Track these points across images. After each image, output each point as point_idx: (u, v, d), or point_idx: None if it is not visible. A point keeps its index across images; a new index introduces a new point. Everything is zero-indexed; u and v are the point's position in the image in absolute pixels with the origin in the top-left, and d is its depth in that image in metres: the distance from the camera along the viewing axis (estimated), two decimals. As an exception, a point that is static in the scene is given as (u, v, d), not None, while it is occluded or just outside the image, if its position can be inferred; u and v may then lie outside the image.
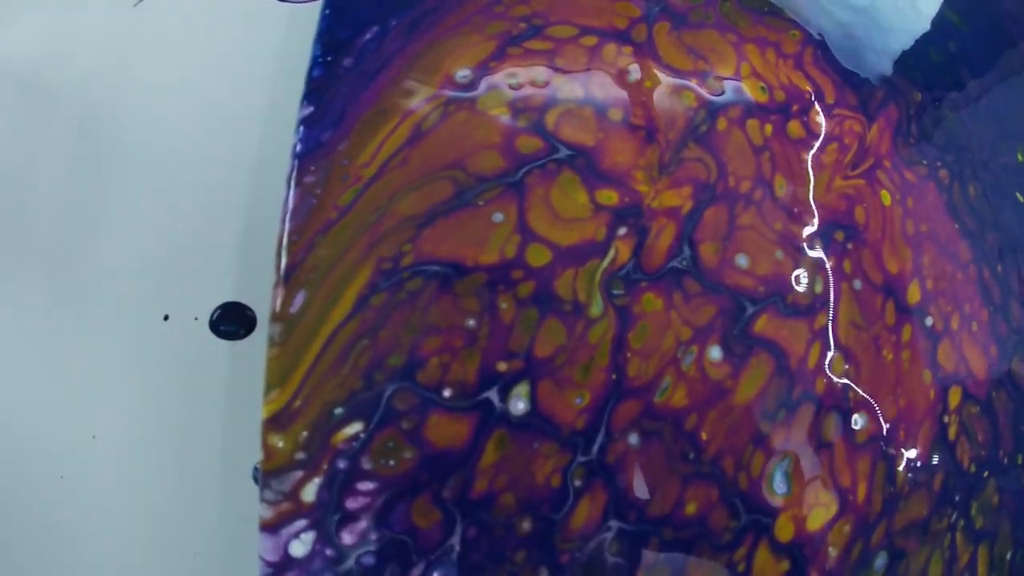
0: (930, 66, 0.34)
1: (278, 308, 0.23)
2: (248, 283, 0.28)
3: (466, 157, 0.24)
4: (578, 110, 0.26)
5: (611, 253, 0.23)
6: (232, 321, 0.27)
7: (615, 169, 0.25)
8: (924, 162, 0.30)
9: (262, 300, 0.26)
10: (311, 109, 0.25)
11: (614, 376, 0.23)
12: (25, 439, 0.27)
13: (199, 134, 0.33)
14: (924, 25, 0.35)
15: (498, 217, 0.23)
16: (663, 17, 0.29)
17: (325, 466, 0.22)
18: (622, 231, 0.24)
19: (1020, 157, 0.35)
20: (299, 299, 0.23)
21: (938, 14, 0.37)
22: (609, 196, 0.24)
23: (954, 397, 0.27)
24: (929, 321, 0.27)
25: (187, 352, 0.27)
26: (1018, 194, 0.33)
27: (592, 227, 0.24)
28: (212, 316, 0.27)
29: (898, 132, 0.30)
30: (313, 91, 0.25)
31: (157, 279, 0.28)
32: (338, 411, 0.22)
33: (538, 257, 0.23)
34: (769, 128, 0.27)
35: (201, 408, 0.26)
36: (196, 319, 0.28)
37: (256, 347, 0.27)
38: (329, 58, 0.26)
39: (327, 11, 0.28)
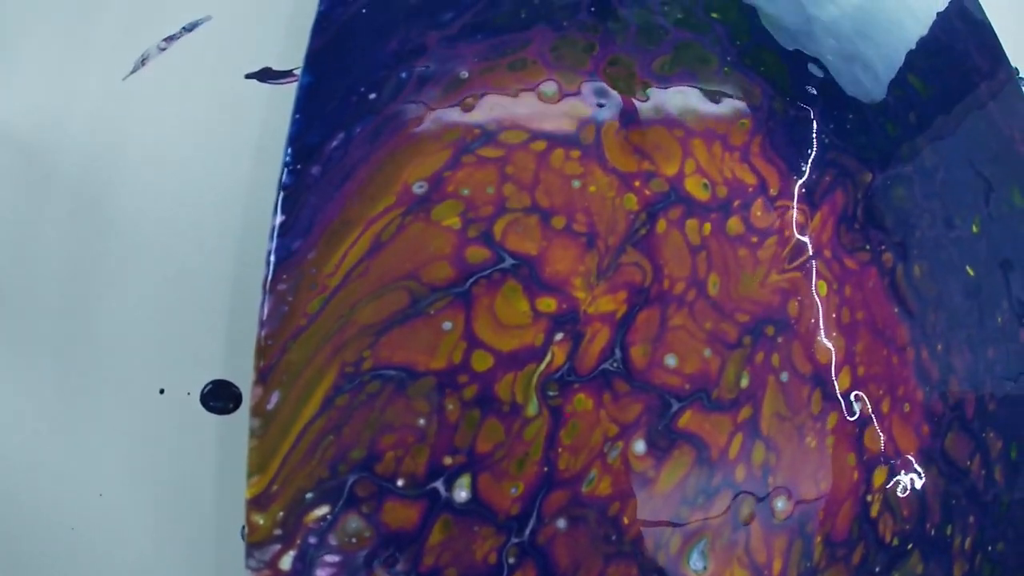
0: (886, 142, 0.35)
1: (256, 404, 0.26)
2: (235, 359, 0.32)
3: (420, 268, 0.27)
4: (524, 219, 0.28)
5: (548, 357, 0.26)
6: (220, 397, 0.31)
7: (555, 277, 0.27)
8: (867, 247, 0.31)
9: (248, 376, 0.30)
10: (283, 218, 0.28)
11: (546, 469, 0.25)
12: (41, 494, 0.32)
13: (187, 210, 0.36)
14: (882, 94, 0.36)
15: (447, 326, 0.26)
16: (612, 115, 0.30)
17: (298, 541, 0.25)
18: (559, 336, 0.26)
19: (975, 228, 0.35)
20: (274, 398, 0.26)
21: (899, 79, 0.37)
22: (548, 304, 0.27)
23: (879, 476, 0.29)
24: (857, 407, 0.29)
25: (181, 422, 0.31)
26: (968, 267, 0.34)
27: (531, 333, 0.26)
28: (203, 392, 0.31)
29: (843, 219, 0.31)
30: (285, 199, 0.28)
31: (153, 356, 0.32)
32: (309, 495, 0.25)
33: (482, 362, 0.26)
34: (708, 227, 0.29)
35: (194, 471, 0.31)
36: (188, 394, 0.31)
37: (242, 419, 0.31)
38: (299, 166, 0.29)
39: (298, 115, 0.30)
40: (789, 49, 0.35)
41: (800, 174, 0.31)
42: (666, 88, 0.32)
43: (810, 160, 0.32)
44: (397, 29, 0.33)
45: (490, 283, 0.27)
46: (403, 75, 0.31)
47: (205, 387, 0.31)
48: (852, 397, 0.29)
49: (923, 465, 0.30)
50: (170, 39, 0.39)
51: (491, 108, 0.30)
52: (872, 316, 0.30)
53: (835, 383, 0.29)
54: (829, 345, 0.29)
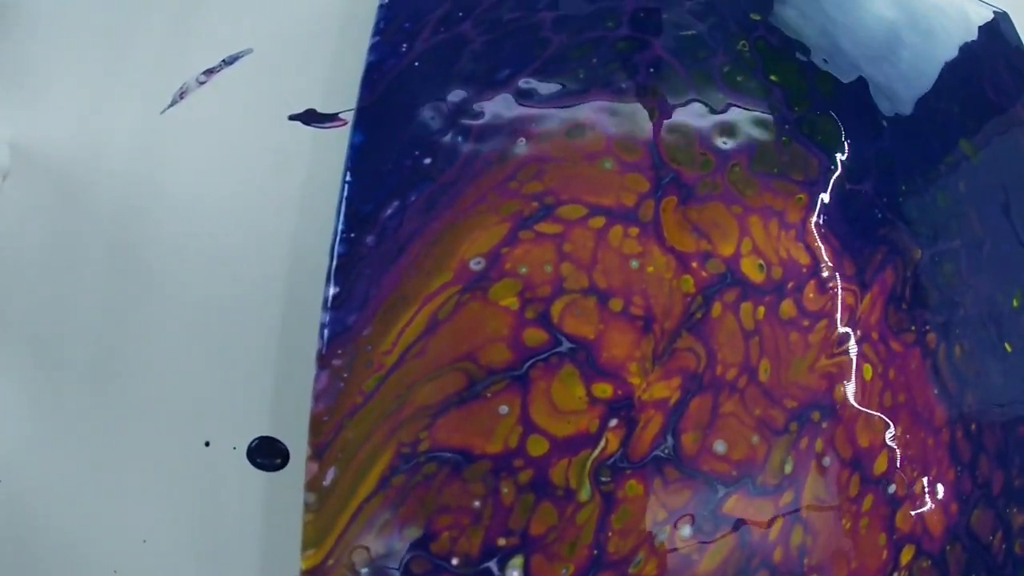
0: (937, 214, 0.34)
1: (312, 480, 0.26)
2: (282, 416, 0.32)
3: (477, 349, 0.27)
4: (582, 301, 0.27)
5: (602, 444, 0.26)
6: (267, 454, 0.31)
7: (612, 362, 0.27)
8: (912, 328, 0.31)
9: (296, 432, 0.30)
10: (336, 290, 0.28)
11: (595, 552, 0.26)
12: (85, 536, 0.32)
13: (232, 257, 0.35)
14: (935, 163, 0.35)
15: (504, 409, 0.26)
16: (672, 190, 0.30)
17: (353, 612, 0.26)
18: (613, 423, 0.27)
19: (1015, 303, 0.35)
20: (330, 474, 0.26)
21: (952, 145, 0.37)
22: (604, 389, 0.27)
23: (906, 555, 0.30)
24: (892, 488, 0.30)
25: (226, 476, 0.31)
26: (1007, 344, 0.34)
27: (587, 420, 0.26)
28: (249, 447, 0.31)
29: (891, 299, 0.31)
30: (339, 269, 0.28)
31: (198, 407, 0.32)
32: (364, 571, 0.26)
33: (537, 447, 0.26)
34: (762, 311, 0.29)
35: (240, 525, 0.31)
36: (234, 448, 0.32)
37: (288, 477, 0.32)
38: (352, 234, 0.28)
39: (350, 178, 0.29)
40: (846, 116, 0.34)
41: (852, 252, 0.31)
42: (725, 161, 0.31)
43: (863, 237, 0.32)
44: (452, 87, 0.32)
45: (547, 367, 0.27)
46: (458, 139, 0.30)
47: (252, 442, 0.32)
48: (888, 480, 0.30)
49: (949, 542, 0.31)
50: (210, 72, 0.37)
51: (549, 180, 0.29)
52: (912, 399, 0.31)
53: (873, 467, 0.30)
54: (871, 429, 0.30)
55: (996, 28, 0.43)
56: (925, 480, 0.31)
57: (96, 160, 0.38)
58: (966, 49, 0.41)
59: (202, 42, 0.38)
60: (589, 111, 0.31)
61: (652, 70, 0.33)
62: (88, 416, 0.34)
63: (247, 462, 0.32)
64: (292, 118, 0.37)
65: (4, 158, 0.39)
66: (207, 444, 0.32)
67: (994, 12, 0.44)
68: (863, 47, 0.37)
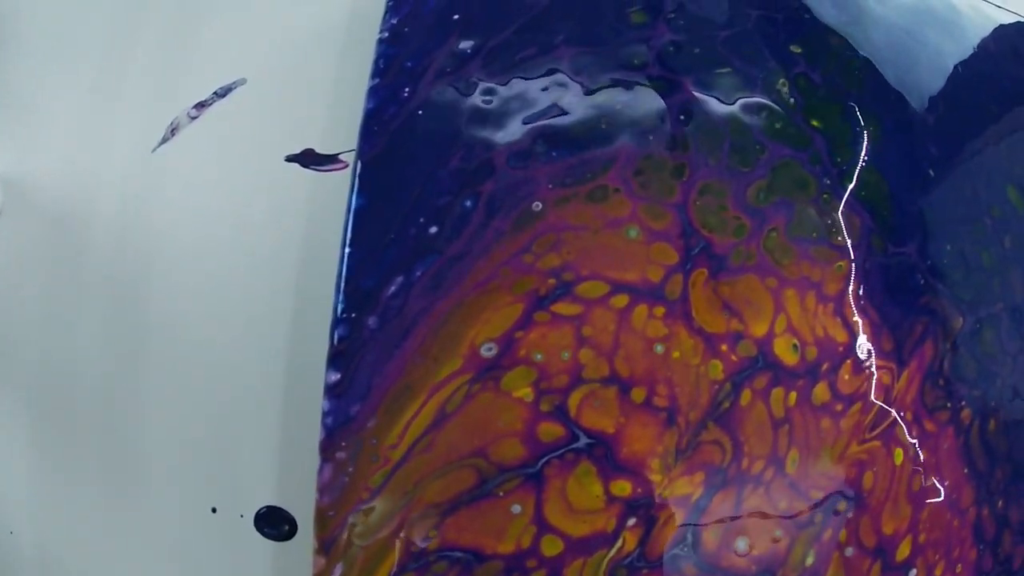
0: (981, 276, 0.32)
1: (319, 574, 0.25)
2: (289, 484, 0.30)
3: (489, 445, 0.25)
4: (602, 391, 0.25)
5: (619, 543, 0.25)
6: (274, 524, 0.30)
7: (632, 458, 0.25)
8: (948, 405, 0.30)
9: (304, 502, 0.29)
10: (337, 376, 0.26)
11: (610, 649, 0.25)
12: None
13: (232, 306, 0.33)
14: (980, 216, 0.32)
15: (516, 509, 0.25)
16: (702, 261, 0.27)
17: None
18: (631, 522, 0.25)
19: None
20: (337, 570, 0.25)
21: (1000, 195, 0.34)
22: (623, 487, 0.25)
23: (922, 632, 0.30)
24: (913, 573, 0.29)
25: (233, 543, 0.30)
26: None
27: (604, 519, 0.25)
28: (256, 515, 0.30)
29: (928, 375, 0.29)
30: (338, 355, 0.26)
31: (204, 472, 0.31)
32: (372, 667, 0.25)
33: (551, 548, 0.25)
34: (793, 397, 0.27)
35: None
36: (242, 516, 0.30)
37: (296, 547, 0.31)
38: (353, 315, 0.26)
39: (350, 248, 0.27)
40: (892, 166, 0.31)
41: (891, 325, 0.29)
42: (761, 225, 0.28)
43: (903, 307, 0.30)
44: (460, 139, 0.28)
45: (563, 464, 0.25)
46: (467, 204, 0.27)
47: (259, 511, 0.30)
48: (910, 565, 0.29)
49: (964, 616, 0.31)
50: (201, 106, 0.33)
51: (568, 252, 0.27)
52: (942, 480, 0.30)
53: (896, 553, 0.29)
54: (897, 517, 0.28)
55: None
56: (945, 562, 0.30)
57: (90, 201, 0.35)
58: (1015, 85, 0.37)
59: (193, 71, 0.34)
60: (613, 170, 0.28)
61: (682, 117, 0.30)
62: (93, 478, 0.33)
63: (254, 530, 0.31)
64: (289, 159, 0.34)
65: None
66: (214, 511, 0.31)
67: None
68: (914, 86, 0.34)
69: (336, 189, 0.33)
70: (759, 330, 0.27)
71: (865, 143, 0.31)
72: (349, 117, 0.32)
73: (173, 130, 0.34)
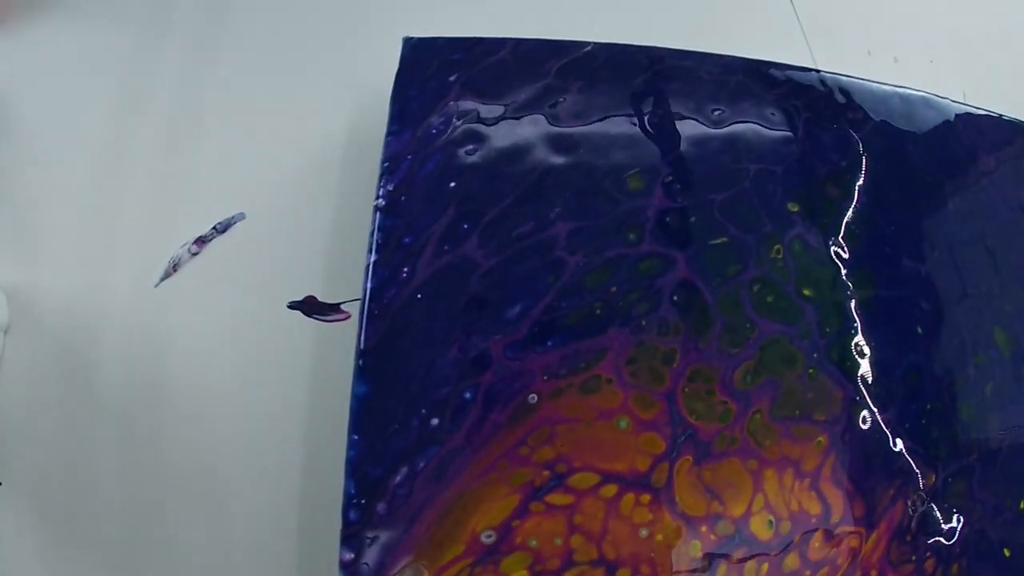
0: (959, 429, 0.33)
1: None
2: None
3: (487, 623, 0.27)
4: (590, 572, 0.27)
5: None
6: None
7: (616, 632, 0.28)
8: (913, 558, 0.32)
9: None
10: (351, 556, 0.28)
11: None
12: None
13: (243, 448, 0.35)
14: (964, 369, 0.33)
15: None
16: (687, 449, 0.29)
17: None
18: None
19: (1022, 505, 0.35)
20: None
21: (986, 339, 0.34)
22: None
23: None
24: None
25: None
26: (1005, 549, 0.35)
27: None
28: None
29: (896, 534, 0.31)
30: (351, 536, 0.28)
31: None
32: None
33: None
34: (765, 567, 0.29)
35: None
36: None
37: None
38: (363, 500, 0.28)
39: (356, 436, 0.28)
40: (880, 327, 0.32)
41: (864, 492, 0.31)
42: (746, 408, 0.29)
43: (878, 474, 0.31)
44: (458, 327, 0.29)
45: (554, 639, 0.28)
46: (466, 396, 0.28)
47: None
48: None
49: None
50: (202, 241, 0.34)
51: (562, 444, 0.28)
52: (901, 624, 0.32)
53: None
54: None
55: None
56: None
57: (96, 326, 0.37)
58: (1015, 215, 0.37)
59: (189, 198, 0.35)
60: (606, 359, 0.29)
61: (675, 298, 0.30)
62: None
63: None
64: (292, 306, 0.35)
65: (3, 311, 0.37)
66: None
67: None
68: (910, 230, 0.34)
69: (342, 331, 0.34)
70: (737, 510, 0.29)
71: (855, 309, 0.32)
72: (349, 259, 0.33)
73: (175, 265, 0.35)
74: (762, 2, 0.44)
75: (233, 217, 0.35)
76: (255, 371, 0.35)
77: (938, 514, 0.33)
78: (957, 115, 0.39)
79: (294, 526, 0.34)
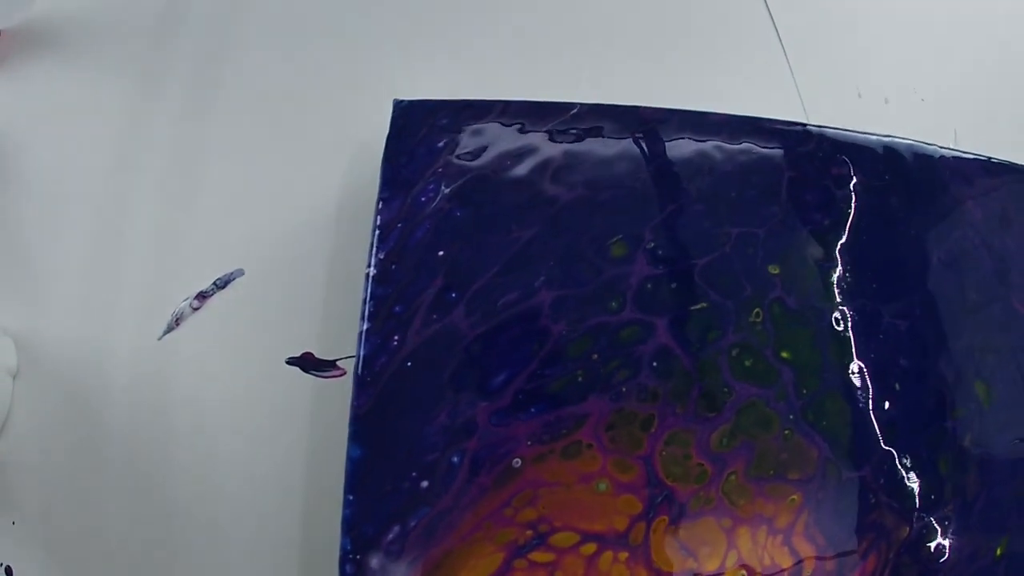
0: (936, 484, 0.34)
1: None
2: None
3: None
4: (570, 626, 0.29)
5: None
6: None
7: None
8: None
9: None
10: (349, 606, 0.30)
11: None
12: None
13: (243, 506, 0.36)
14: (941, 425, 0.33)
15: None
16: (664, 509, 0.30)
17: None
18: None
19: (999, 552, 0.36)
20: None
21: (967, 390, 0.34)
22: None
23: None
24: None
25: None
26: None
27: None
28: None
29: None
30: (350, 587, 0.30)
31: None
32: None
33: None
34: None
35: None
36: None
37: None
38: (358, 556, 0.29)
39: (351, 496, 0.30)
40: (856, 389, 0.32)
41: (837, 546, 0.32)
42: (722, 470, 0.30)
43: (852, 528, 0.32)
44: (446, 395, 0.30)
45: None
46: (454, 460, 0.30)
47: None
48: None
49: None
50: (203, 296, 0.36)
51: (544, 506, 0.30)
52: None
53: None
54: None
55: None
56: None
57: (102, 377, 0.39)
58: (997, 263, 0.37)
59: (193, 255, 0.36)
60: (587, 426, 0.30)
61: (655, 364, 0.31)
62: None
63: None
64: (290, 362, 0.36)
65: (11, 356, 0.40)
66: None
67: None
68: (891, 285, 0.34)
69: (339, 387, 0.36)
70: (711, 566, 0.30)
71: (832, 368, 0.33)
72: (344, 316, 0.34)
73: (177, 320, 0.37)
74: (750, 50, 0.43)
75: (232, 273, 0.37)
76: (255, 425, 0.36)
77: (912, 563, 0.34)
78: (944, 163, 0.39)
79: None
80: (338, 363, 0.37)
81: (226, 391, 0.37)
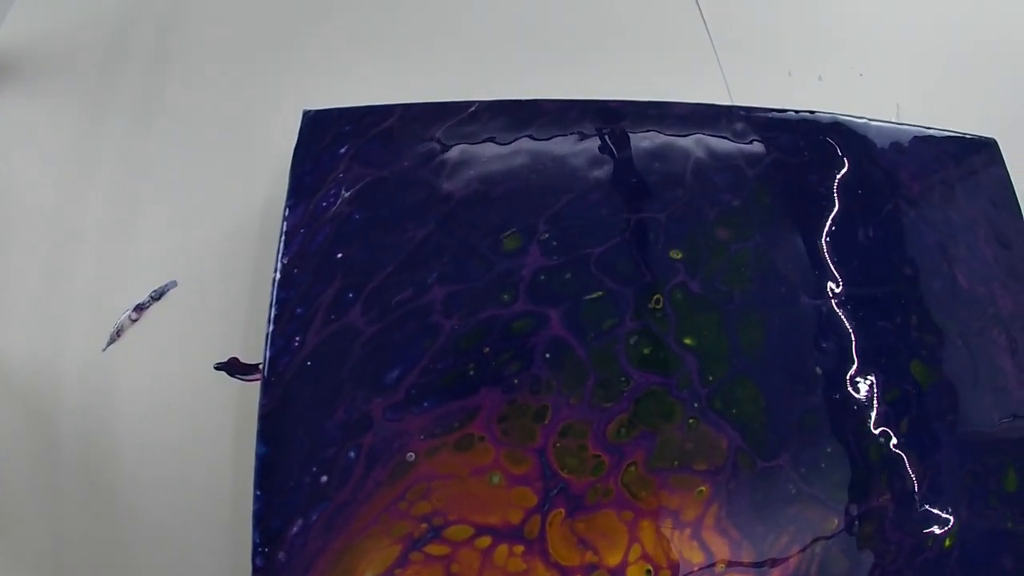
0: (867, 470, 0.32)
1: None
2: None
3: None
4: (469, 621, 0.29)
5: None
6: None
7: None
8: None
9: None
10: (258, 604, 0.31)
11: None
12: None
13: (185, 510, 0.38)
14: (872, 413, 0.31)
15: None
16: (560, 502, 0.29)
17: None
18: None
19: (948, 543, 0.33)
20: None
21: (902, 376, 0.32)
22: None
23: None
24: None
25: None
26: None
27: None
28: None
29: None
30: (257, 583, 0.31)
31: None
32: None
33: None
34: None
35: None
36: None
37: None
38: (267, 549, 0.31)
39: (258, 492, 0.31)
40: (773, 373, 0.31)
41: (754, 539, 0.30)
42: (620, 461, 0.30)
43: (769, 520, 0.31)
44: (343, 392, 0.31)
45: (440, 677, 0.30)
46: (351, 455, 0.31)
47: None
48: None
49: None
50: (140, 308, 0.38)
51: (438, 500, 0.30)
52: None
53: None
54: None
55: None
56: None
57: (56, 389, 0.41)
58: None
59: (134, 269, 0.39)
60: (478, 419, 0.30)
61: (548, 355, 0.31)
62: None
63: None
64: (217, 367, 0.38)
65: None
66: None
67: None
68: (807, 275, 0.32)
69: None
70: (613, 560, 0.30)
71: (742, 353, 0.31)
72: (265, 323, 0.35)
73: (119, 332, 0.40)
74: (674, 29, 0.42)
75: (166, 284, 0.39)
76: (189, 429, 0.38)
77: (843, 557, 0.32)
78: (875, 134, 0.36)
79: (227, 569, 0.38)
80: (259, 366, 0.38)
81: (162, 398, 0.39)
